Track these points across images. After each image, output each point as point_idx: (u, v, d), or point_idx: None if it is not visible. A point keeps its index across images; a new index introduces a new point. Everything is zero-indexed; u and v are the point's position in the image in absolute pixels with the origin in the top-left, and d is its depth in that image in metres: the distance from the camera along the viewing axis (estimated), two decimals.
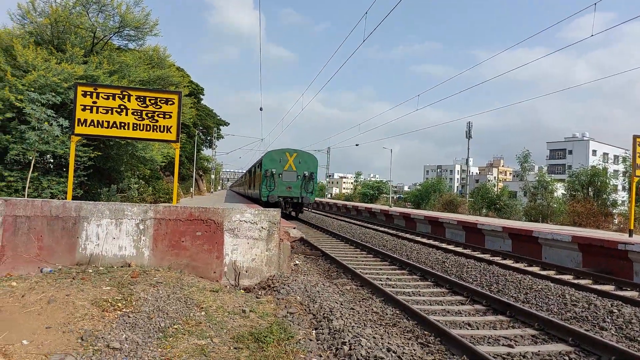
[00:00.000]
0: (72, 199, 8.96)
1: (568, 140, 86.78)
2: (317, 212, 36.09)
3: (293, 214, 23.75)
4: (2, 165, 12.74)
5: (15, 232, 6.84)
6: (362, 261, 11.66)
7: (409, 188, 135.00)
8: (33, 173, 12.75)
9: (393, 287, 8.60)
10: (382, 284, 8.71)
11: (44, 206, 7.03)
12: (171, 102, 10.18)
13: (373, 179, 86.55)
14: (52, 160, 14.44)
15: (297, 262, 10.50)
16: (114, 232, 7.24)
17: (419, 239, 17.13)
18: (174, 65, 22.58)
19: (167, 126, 10.13)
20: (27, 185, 11.84)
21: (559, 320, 6.56)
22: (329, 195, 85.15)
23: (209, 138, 54.44)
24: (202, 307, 5.46)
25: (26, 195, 11.50)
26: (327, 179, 72.52)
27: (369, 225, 22.73)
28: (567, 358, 5.24)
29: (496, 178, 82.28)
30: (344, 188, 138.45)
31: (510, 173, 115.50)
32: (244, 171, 47.08)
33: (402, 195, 79.25)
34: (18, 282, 5.74)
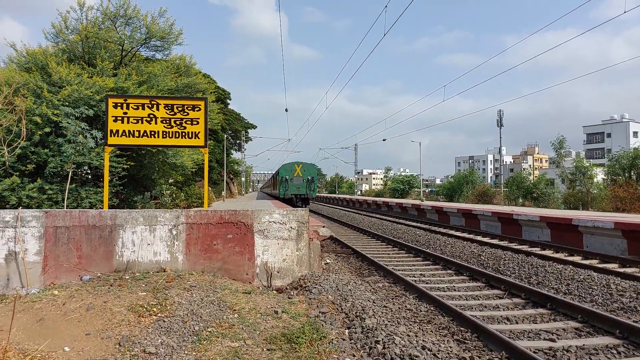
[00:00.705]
0: (109, 208, 9.24)
1: (606, 122, 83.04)
2: (347, 209, 35.95)
3: (302, 205, 34.04)
4: (42, 179, 13.30)
5: (56, 243, 7.10)
6: (395, 258, 11.52)
7: (440, 181, 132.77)
8: (71, 185, 13.25)
9: (427, 283, 8.44)
10: (415, 280, 8.56)
11: (82, 216, 7.27)
12: (198, 109, 10.36)
13: (403, 174, 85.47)
14: (89, 172, 14.97)
15: (328, 261, 10.47)
16: (148, 239, 7.41)
17: (452, 232, 16.78)
18: (200, 72, 22.98)
19: (195, 132, 10.32)
20: (66, 197, 12.32)
21: (605, 311, 6.25)
22: (359, 192, 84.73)
23: (237, 142, 55.20)
24: (234, 310, 5.51)
25: (65, 207, 11.96)
26: (356, 176, 71.99)
27: (401, 221, 22.49)
28: (615, 351, 4.97)
29: (531, 166, 79.77)
30: (374, 184, 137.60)
31: (546, 160, 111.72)
32: (272, 173, 55.80)
33: (434, 189, 78.02)
34: (59, 290, 5.96)
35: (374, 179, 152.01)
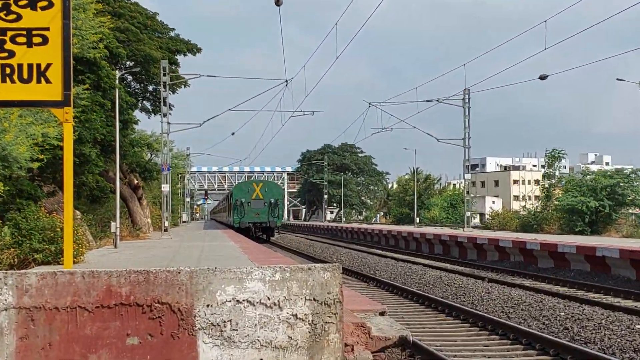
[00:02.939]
0: None
1: None
2: (438, 261, 36.05)
3: (264, 237, 63.35)
4: None
5: None
6: None
7: None
8: None
9: None
10: None
11: None
12: (45, 3, 10.51)
13: (595, 168, 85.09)
14: None
15: None
16: None
17: None
18: None
19: (39, 66, 10.45)
20: None
21: None
22: (475, 219, 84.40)
23: (153, 89, 55.68)
24: None
25: None
26: (468, 176, 70.02)
27: (590, 296, 22.54)
28: None
29: None
30: (516, 195, 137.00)
31: None
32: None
33: None
34: None
35: (514, 181, 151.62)
